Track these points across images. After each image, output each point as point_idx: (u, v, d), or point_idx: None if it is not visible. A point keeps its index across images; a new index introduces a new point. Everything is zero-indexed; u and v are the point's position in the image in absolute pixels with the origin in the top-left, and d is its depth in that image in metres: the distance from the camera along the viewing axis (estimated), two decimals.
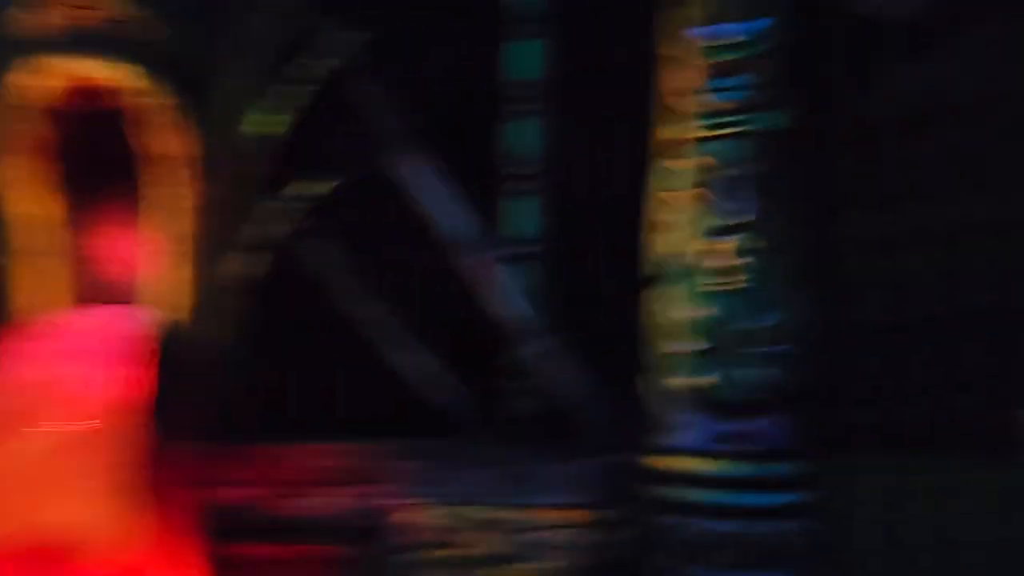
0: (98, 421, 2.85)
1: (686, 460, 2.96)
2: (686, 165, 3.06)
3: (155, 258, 3.42)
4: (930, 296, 3.13)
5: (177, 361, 2.98)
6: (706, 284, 2.92)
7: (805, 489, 2.97)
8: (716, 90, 2.98)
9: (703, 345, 2.89)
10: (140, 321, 3.25)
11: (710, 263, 2.92)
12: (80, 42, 3.31)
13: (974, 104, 3.11)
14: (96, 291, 3.55)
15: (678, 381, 2.98)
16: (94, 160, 3.53)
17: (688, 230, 3.01)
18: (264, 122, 3.65)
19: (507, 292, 3.50)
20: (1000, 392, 2.67)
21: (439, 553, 2.99)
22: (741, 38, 2.95)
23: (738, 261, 2.87)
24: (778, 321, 2.86)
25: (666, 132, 3.18)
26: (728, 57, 2.97)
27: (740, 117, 2.94)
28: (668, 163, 3.15)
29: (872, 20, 3.24)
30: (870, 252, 3.26)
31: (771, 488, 2.88)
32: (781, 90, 2.97)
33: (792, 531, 2.91)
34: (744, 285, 2.86)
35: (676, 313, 3.02)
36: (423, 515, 2.96)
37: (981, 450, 2.46)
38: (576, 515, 2.99)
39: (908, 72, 3.23)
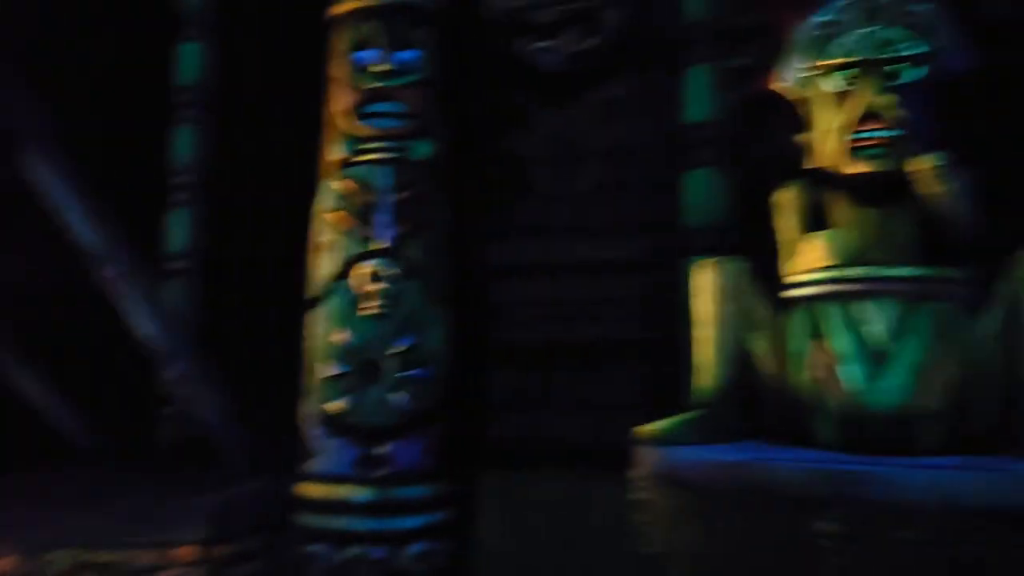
0: None
1: (329, 486, 2.91)
2: (341, 187, 3.05)
3: None
4: (565, 322, 3.39)
5: None
6: (348, 308, 2.91)
7: (446, 509, 3.04)
8: (365, 115, 3.01)
9: (342, 369, 2.87)
10: None
11: (352, 287, 2.92)
12: None
13: (612, 149, 3.44)
14: None
15: (322, 406, 2.94)
16: None
17: (337, 252, 3.00)
18: None
19: (149, 310, 3.24)
20: (623, 412, 2.92)
21: None
22: (389, 66, 3.01)
23: (377, 286, 2.90)
24: (415, 344, 2.92)
25: (330, 152, 3.15)
26: (377, 84, 3.01)
27: (386, 144, 2.99)
28: (329, 183, 3.11)
29: (526, 65, 3.47)
30: (514, 279, 3.44)
31: (411, 511, 2.90)
32: (429, 121, 3.08)
33: (434, 552, 2.96)
34: (382, 309, 2.90)
35: (324, 336, 2.98)
36: (18, 563, 2.60)
37: (608, 466, 2.67)
38: (208, 551, 2.81)
39: (556, 116, 3.49)
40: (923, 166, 2.35)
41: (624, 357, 3.29)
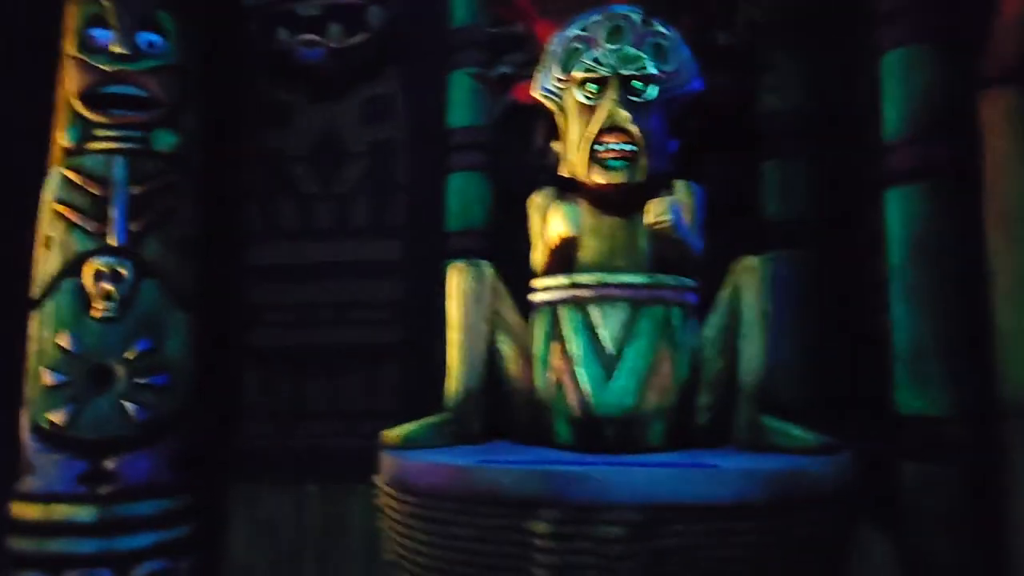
0: None
1: (46, 506, 2.64)
2: (72, 177, 2.78)
3: None
4: (323, 326, 3.31)
5: None
6: (75, 309, 2.66)
7: (184, 525, 2.86)
8: (100, 99, 2.77)
9: (67, 376, 2.62)
10: None
11: (80, 286, 2.67)
12: None
13: (375, 149, 3.40)
14: None
15: (42, 416, 2.66)
16: None
17: (65, 248, 2.73)
18: None
19: None
20: (381, 418, 2.86)
21: None
22: (128, 48, 2.79)
23: (108, 286, 2.68)
24: (152, 349, 2.72)
25: (62, 137, 2.87)
26: (115, 66, 2.78)
27: (123, 132, 2.77)
28: (60, 172, 2.83)
29: (288, 58, 3.34)
30: (270, 280, 3.32)
31: (142, 528, 2.70)
32: (174, 110, 2.88)
33: (169, 571, 2.76)
34: (114, 311, 2.67)
35: (48, 339, 2.70)
36: None
37: (364, 474, 2.59)
38: None
39: (318, 112, 3.40)
40: (654, 212, 2.45)
41: (384, 361, 3.25)
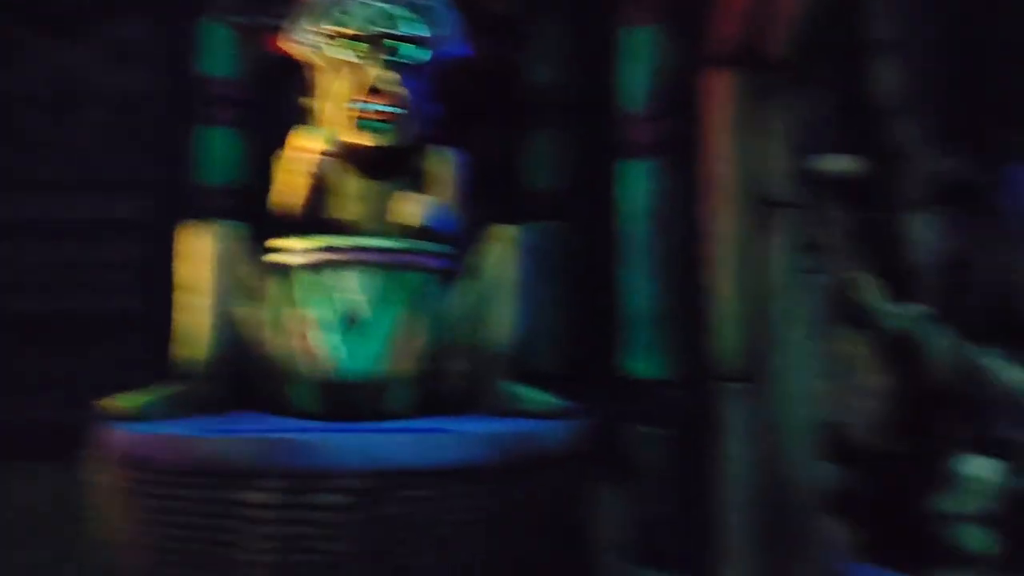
0: None
1: None
2: None
3: None
4: (53, 290, 3.01)
5: None
6: None
7: None
8: None
9: None
10: None
11: None
12: None
13: (119, 96, 3.11)
14: None
15: None
16: None
17: None
18: None
19: None
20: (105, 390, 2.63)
21: None
22: None
23: None
24: None
25: None
26: None
27: None
28: None
29: None
30: None
31: None
32: None
33: None
34: None
35: None
36: None
37: (63, 453, 2.36)
38: None
39: (53, 52, 3.06)
40: (405, 215, 2.43)
41: (123, 329, 2.99)
